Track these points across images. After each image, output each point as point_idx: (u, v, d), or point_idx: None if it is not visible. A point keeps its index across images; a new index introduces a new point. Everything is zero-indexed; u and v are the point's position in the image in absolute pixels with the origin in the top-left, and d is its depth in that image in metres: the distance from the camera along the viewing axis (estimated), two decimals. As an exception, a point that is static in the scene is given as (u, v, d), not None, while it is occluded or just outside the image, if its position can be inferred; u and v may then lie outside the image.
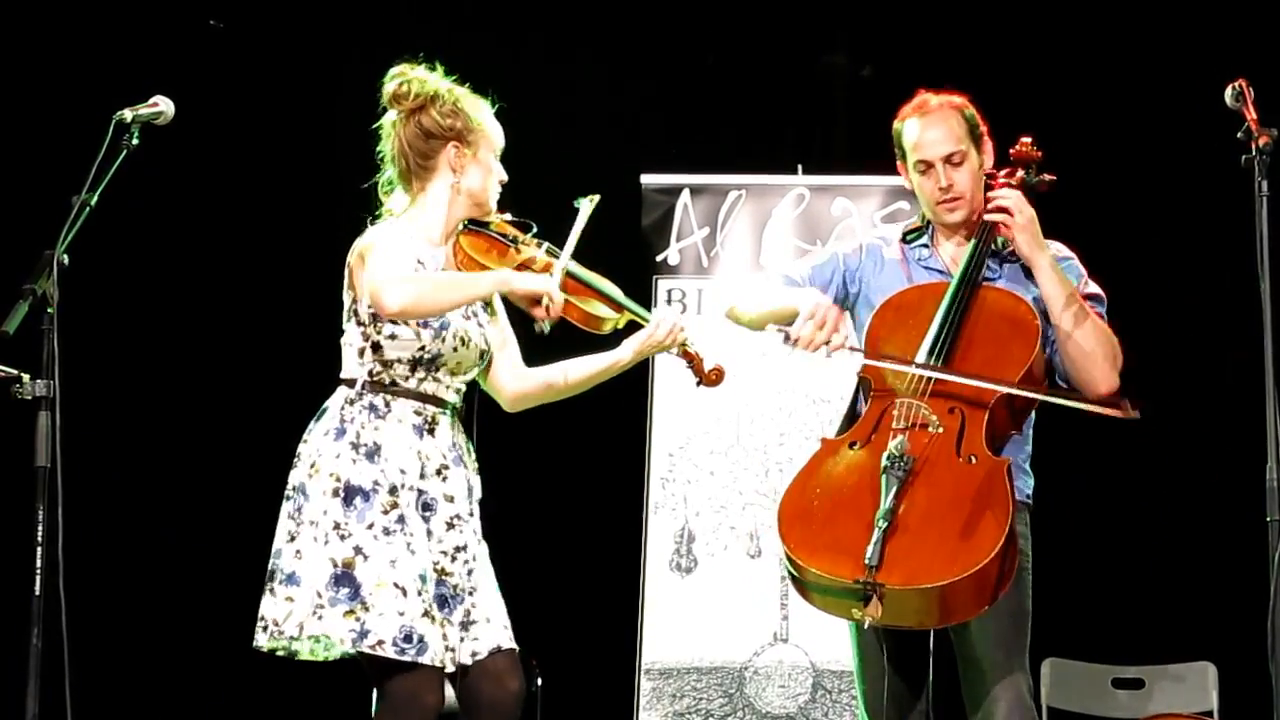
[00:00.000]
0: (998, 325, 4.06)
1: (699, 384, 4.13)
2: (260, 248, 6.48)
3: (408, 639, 3.75)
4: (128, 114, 3.96)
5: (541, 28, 6.89)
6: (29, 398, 3.77)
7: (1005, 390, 3.95)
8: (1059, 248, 4.23)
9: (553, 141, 6.19)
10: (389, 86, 4.02)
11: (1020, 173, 4.24)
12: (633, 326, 4.09)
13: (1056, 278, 4.09)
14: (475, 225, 4.06)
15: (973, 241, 4.16)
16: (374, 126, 4.07)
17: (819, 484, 3.97)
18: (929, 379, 3.98)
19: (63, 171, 4.08)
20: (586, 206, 4.09)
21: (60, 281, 3.80)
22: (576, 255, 4.04)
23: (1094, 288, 4.22)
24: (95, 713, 4.21)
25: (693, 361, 4.11)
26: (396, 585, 3.77)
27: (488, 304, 4.08)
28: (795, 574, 3.90)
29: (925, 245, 4.26)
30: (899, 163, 4.25)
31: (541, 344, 4.03)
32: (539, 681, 5.97)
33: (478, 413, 4.17)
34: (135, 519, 6.62)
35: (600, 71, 6.87)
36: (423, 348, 3.91)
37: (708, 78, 6.94)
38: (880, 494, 3.81)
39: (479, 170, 4.03)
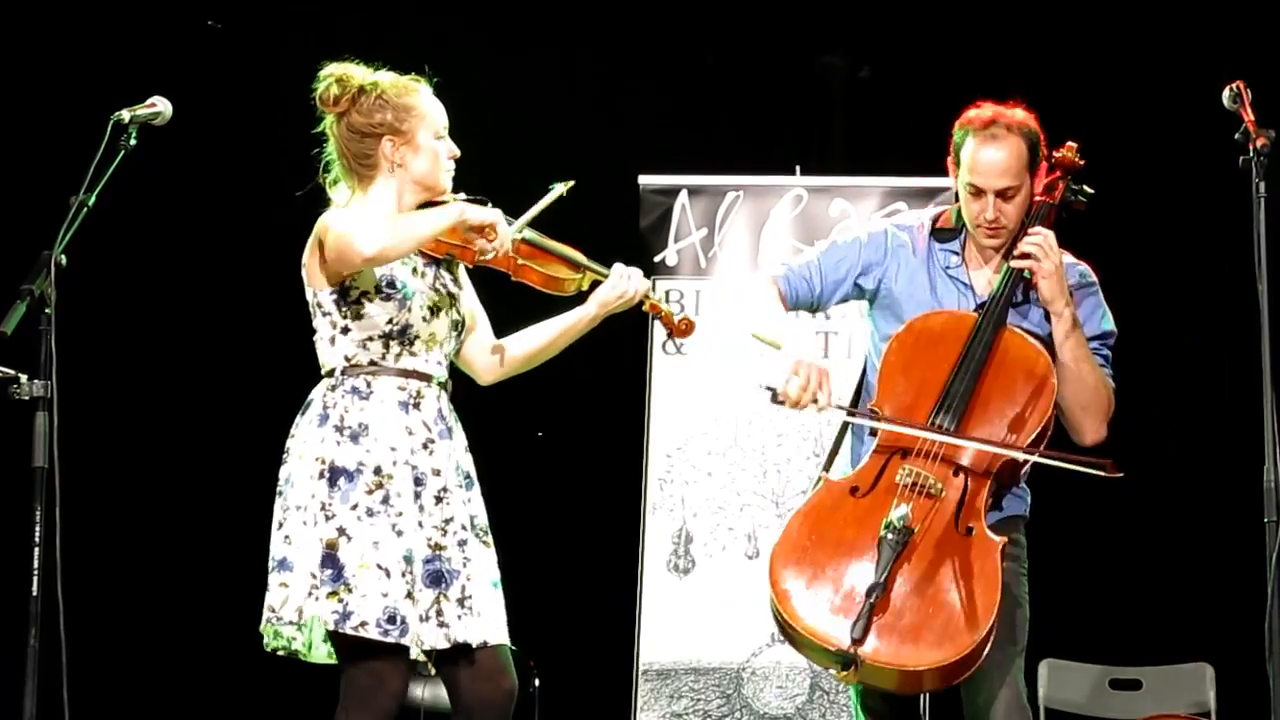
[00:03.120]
0: (1016, 381, 4.01)
1: (669, 335, 4.13)
2: (258, 248, 6.48)
3: (391, 620, 3.75)
4: (125, 114, 3.96)
5: (541, 28, 6.89)
6: (26, 398, 3.77)
7: (1013, 455, 3.93)
8: (1085, 271, 4.18)
9: (552, 142, 6.20)
10: (318, 90, 4.00)
11: (1060, 185, 4.16)
12: (597, 289, 4.07)
13: (1070, 329, 4.04)
14: (431, 205, 4.03)
15: (1002, 275, 4.09)
16: (314, 131, 4.05)
17: (816, 533, 3.94)
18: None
19: (61, 172, 4.08)
20: (558, 189, 4.06)
21: (58, 282, 3.80)
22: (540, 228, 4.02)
23: (1109, 324, 4.18)
24: (93, 713, 4.20)
25: (661, 314, 4.10)
26: (380, 566, 3.76)
27: (455, 276, 4.05)
28: (780, 622, 3.91)
29: (955, 253, 4.18)
30: (949, 160, 4.15)
31: (512, 313, 4.01)
32: (537, 682, 5.97)
33: (476, 413, 4.17)
34: (133, 519, 6.63)
35: (599, 71, 6.87)
36: (391, 320, 3.89)
37: (706, 78, 6.94)
38: (874, 559, 3.81)
39: (420, 156, 3.98)
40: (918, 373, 4.03)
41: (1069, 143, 4.21)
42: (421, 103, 4.01)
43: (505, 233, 3.88)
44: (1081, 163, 4.20)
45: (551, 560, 6.41)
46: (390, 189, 3.99)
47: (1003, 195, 4.07)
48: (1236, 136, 3.88)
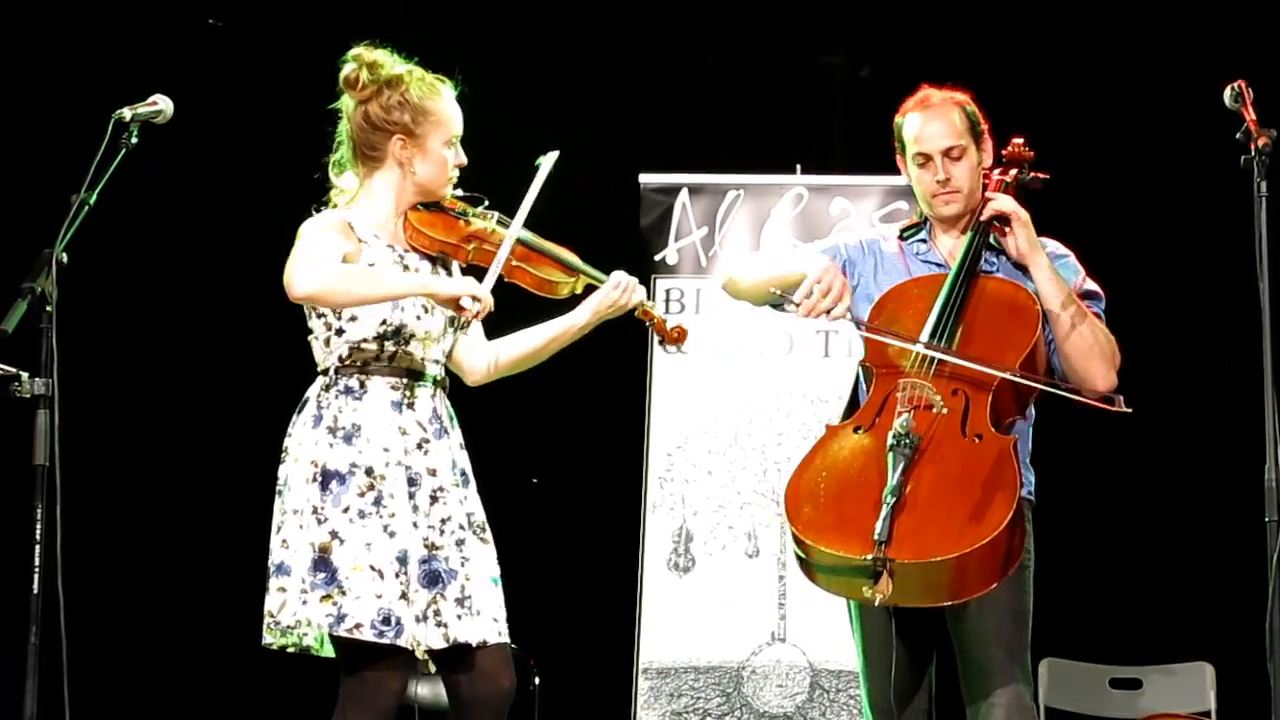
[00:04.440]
0: (998, 311, 4.07)
1: (661, 343, 4.10)
2: (258, 247, 6.47)
3: (385, 621, 3.74)
4: (126, 113, 3.96)
5: (542, 27, 6.89)
6: (28, 396, 3.77)
7: (1007, 376, 3.94)
8: (1056, 246, 4.23)
9: (552, 141, 6.19)
10: (344, 70, 3.99)
11: (1014, 171, 4.25)
12: (591, 292, 4.05)
13: (1052, 277, 4.09)
14: (426, 203, 4.02)
15: (970, 233, 4.16)
16: (329, 106, 4.04)
17: (825, 466, 3.96)
18: (932, 361, 3.97)
19: (62, 170, 4.08)
20: (546, 165, 4.02)
21: (59, 280, 3.80)
22: (538, 229, 4.01)
23: (1092, 285, 4.22)
24: (93, 711, 4.21)
25: (653, 322, 4.07)
26: (373, 568, 3.76)
27: (449, 274, 4.03)
28: (802, 555, 3.89)
29: (923, 240, 4.26)
30: (898, 157, 4.25)
31: (504, 313, 4.02)
32: (536, 681, 5.97)
33: (475, 414, 4.17)
34: (133, 517, 6.63)
35: (600, 71, 6.87)
36: (384, 321, 3.87)
37: (707, 78, 6.94)
38: (887, 472, 3.81)
39: (428, 162, 3.96)
40: (900, 327, 4.06)
41: (1014, 138, 4.28)
42: (441, 108, 3.99)
43: (484, 293, 3.81)
44: (1031, 154, 4.28)
45: (552, 559, 6.41)
46: (391, 186, 3.98)
47: (948, 154, 4.15)
48: (1238, 136, 3.88)
